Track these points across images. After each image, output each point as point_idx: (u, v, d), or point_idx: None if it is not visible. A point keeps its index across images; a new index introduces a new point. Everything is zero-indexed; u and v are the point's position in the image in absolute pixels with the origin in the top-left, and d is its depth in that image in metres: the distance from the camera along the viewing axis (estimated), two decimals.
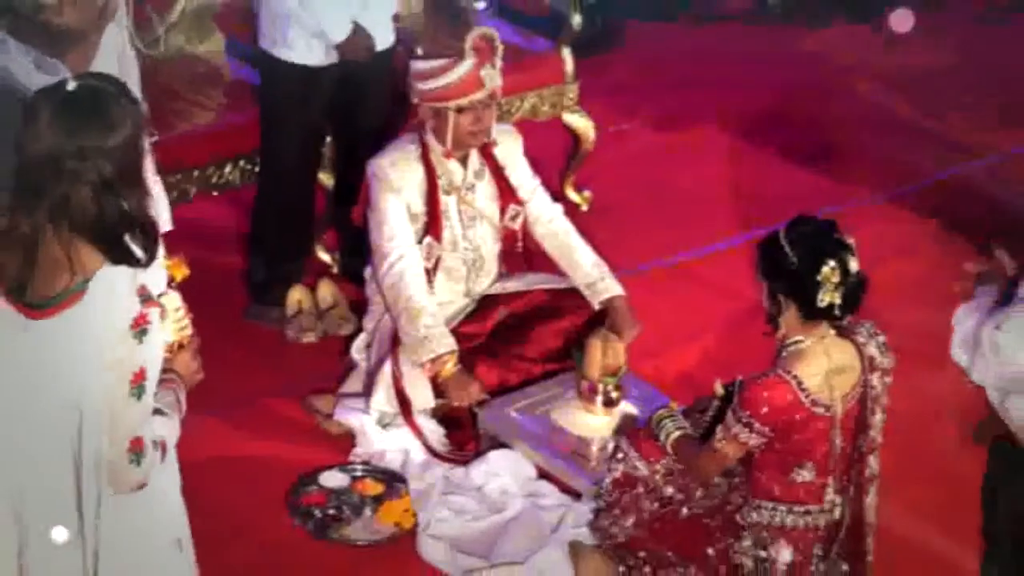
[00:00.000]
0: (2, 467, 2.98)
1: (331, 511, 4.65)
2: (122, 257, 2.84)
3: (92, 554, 2.95)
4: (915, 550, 4.52)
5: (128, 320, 2.80)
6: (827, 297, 4.00)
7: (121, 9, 4.13)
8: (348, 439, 5.00)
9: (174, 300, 2.97)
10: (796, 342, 4.08)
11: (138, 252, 2.87)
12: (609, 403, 4.83)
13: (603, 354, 4.81)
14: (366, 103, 5.48)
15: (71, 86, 2.92)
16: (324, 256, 5.83)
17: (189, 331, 3.04)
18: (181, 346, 3.03)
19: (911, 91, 7.59)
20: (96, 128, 2.85)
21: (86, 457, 2.88)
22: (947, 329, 3.58)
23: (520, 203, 5.13)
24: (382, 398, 4.99)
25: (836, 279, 3.99)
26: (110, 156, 2.84)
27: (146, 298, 2.83)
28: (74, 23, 3.76)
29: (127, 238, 2.87)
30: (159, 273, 2.94)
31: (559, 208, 5.25)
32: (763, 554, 4.21)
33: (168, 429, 3.00)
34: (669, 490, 4.38)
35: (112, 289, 2.81)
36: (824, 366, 4.07)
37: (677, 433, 4.33)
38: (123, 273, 2.82)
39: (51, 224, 2.82)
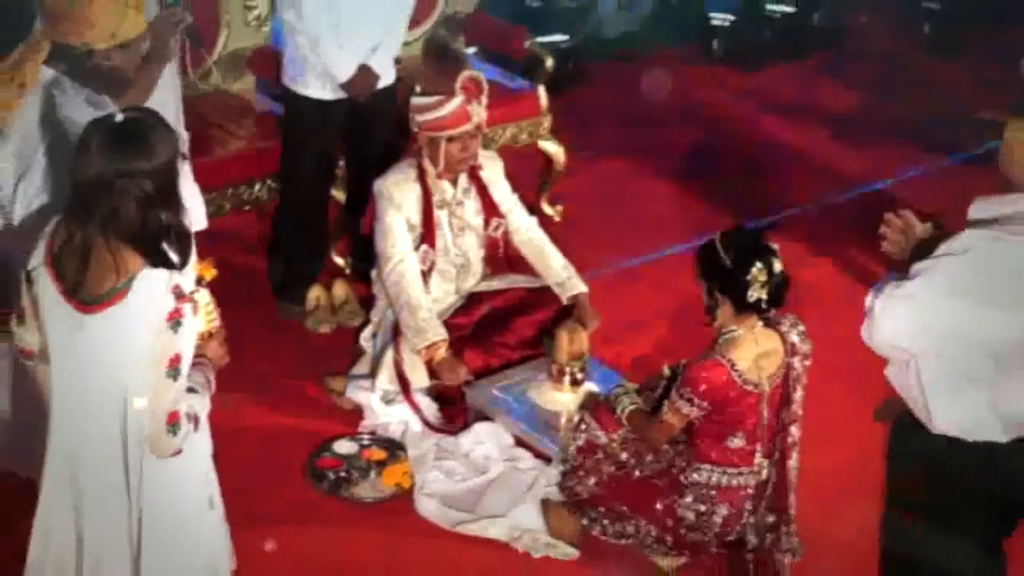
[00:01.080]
0: (61, 437, 2.99)
1: (342, 473, 4.63)
2: (160, 261, 2.84)
3: (136, 508, 2.95)
4: (829, 506, 4.50)
5: (165, 313, 2.80)
6: (755, 293, 4.01)
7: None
8: (357, 413, 4.98)
9: (204, 296, 2.95)
10: (730, 331, 4.08)
11: (174, 256, 2.87)
12: (575, 383, 4.81)
13: (569, 342, 4.79)
14: (373, 131, 5.45)
15: (118, 118, 2.92)
16: (338, 260, 5.81)
17: (217, 323, 3.03)
18: (210, 335, 3.02)
19: (832, 124, 7.59)
20: (139, 153, 2.85)
21: (131, 428, 2.88)
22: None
23: (501, 216, 5.10)
24: (385, 379, 4.96)
25: (763, 278, 3.99)
26: (151, 176, 2.85)
27: (180, 295, 2.82)
28: (120, 65, 3.74)
29: (164, 245, 2.87)
30: (191, 274, 2.93)
31: (534, 220, 5.23)
32: (703, 508, 4.20)
33: (200, 404, 3.00)
34: (624, 455, 4.37)
35: (152, 287, 2.81)
36: (753, 351, 4.07)
37: (631, 407, 4.32)
38: (161, 274, 2.82)
39: (101, 233, 2.81)
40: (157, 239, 2.86)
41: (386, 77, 5.40)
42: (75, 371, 2.92)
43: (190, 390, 2.94)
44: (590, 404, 4.63)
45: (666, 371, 4.34)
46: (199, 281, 2.96)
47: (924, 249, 3.23)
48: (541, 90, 6.28)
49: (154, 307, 2.80)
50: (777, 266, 4.03)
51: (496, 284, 5.16)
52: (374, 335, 5.17)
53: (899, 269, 3.29)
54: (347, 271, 5.77)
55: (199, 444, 3.10)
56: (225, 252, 5.25)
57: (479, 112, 4.86)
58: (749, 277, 4.00)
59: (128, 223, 2.82)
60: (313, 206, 5.58)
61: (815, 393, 4.33)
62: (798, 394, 4.19)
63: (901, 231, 3.30)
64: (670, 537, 4.26)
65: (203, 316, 2.94)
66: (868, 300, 3.26)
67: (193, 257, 2.97)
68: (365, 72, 5.24)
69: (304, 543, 4.35)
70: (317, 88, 5.30)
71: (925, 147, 7.15)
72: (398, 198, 4.90)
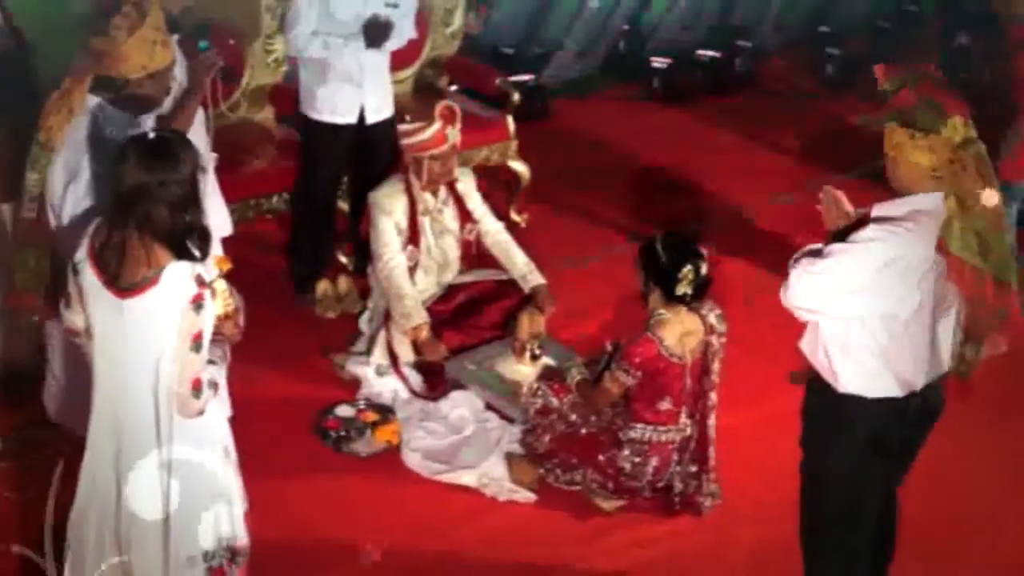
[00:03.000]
0: (104, 399, 2.98)
1: (342, 432, 4.60)
2: (185, 254, 2.83)
3: (167, 459, 2.94)
4: (745, 459, 4.50)
5: (189, 297, 2.79)
6: (682, 289, 4.04)
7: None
8: (356, 383, 4.95)
9: (221, 284, 2.93)
10: (659, 314, 4.10)
11: (196, 251, 2.86)
12: (534, 358, 4.82)
13: (530, 324, 4.81)
14: (376, 154, 5.39)
15: (150, 136, 2.92)
16: (342, 258, 5.77)
17: (232, 306, 3.01)
18: (227, 316, 3.00)
19: (748, 148, 7.58)
20: (168, 165, 2.84)
21: (161, 393, 2.87)
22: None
23: (474, 222, 5.10)
24: (379, 354, 4.95)
25: (691, 277, 4.02)
26: (178, 184, 2.84)
27: (201, 282, 2.81)
28: (151, 93, 3.73)
29: (188, 241, 2.86)
30: (211, 265, 2.92)
31: (501, 225, 5.22)
32: (637, 460, 4.23)
33: (218, 373, 2.99)
34: (573, 416, 4.38)
35: (178, 276, 2.80)
36: (679, 330, 4.09)
37: (579, 377, 4.35)
38: (185, 265, 2.81)
39: (136, 232, 2.80)
40: (183, 237, 2.85)
41: (387, 110, 5.37)
42: (115, 346, 2.91)
43: (210, 362, 2.93)
44: (546, 375, 4.65)
45: (608, 347, 4.35)
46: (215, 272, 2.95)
47: (839, 234, 3.25)
48: (509, 119, 6.26)
49: (180, 292, 2.79)
50: (703, 268, 4.07)
51: (470, 277, 5.15)
52: (370, 319, 5.15)
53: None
54: (350, 268, 5.73)
55: (218, 407, 3.10)
56: (251, 252, 5.33)
57: (454, 135, 4.86)
58: (680, 275, 4.02)
59: (159, 223, 2.81)
60: (322, 214, 5.55)
61: (737, 364, 4.37)
62: (716, 366, 4.22)
63: (834, 201, 3.31)
64: (611, 483, 4.28)
65: (220, 300, 2.92)
66: (789, 267, 3.26)
67: (213, 251, 2.97)
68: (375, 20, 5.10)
69: (311, 488, 4.35)
70: (328, 114, 5.26)
71: (826, 166, 7.14)
72: (388, 207, 4.89)
